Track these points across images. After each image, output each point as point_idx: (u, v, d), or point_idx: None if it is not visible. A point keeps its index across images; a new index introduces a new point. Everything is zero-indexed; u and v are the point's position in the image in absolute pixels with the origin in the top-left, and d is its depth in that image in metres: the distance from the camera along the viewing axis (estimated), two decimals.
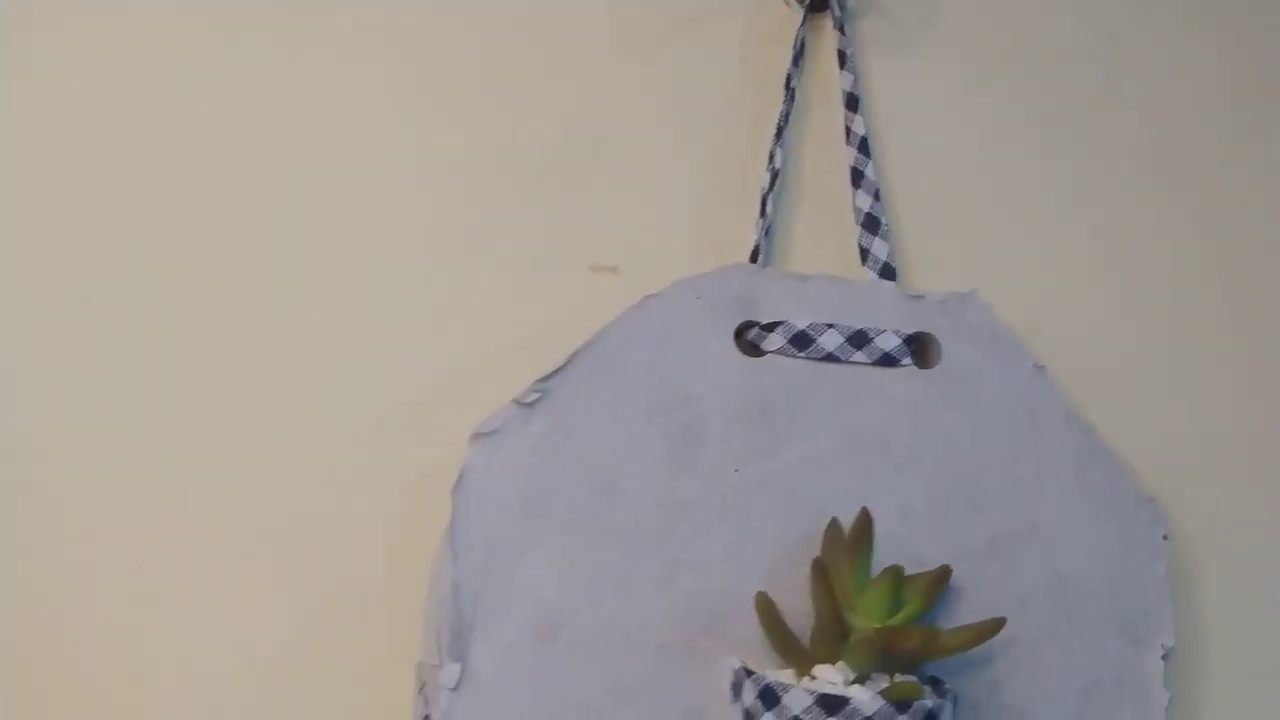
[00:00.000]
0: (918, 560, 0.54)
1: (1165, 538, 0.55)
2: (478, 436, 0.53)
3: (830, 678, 0.49)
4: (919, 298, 0.57)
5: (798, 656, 0.50)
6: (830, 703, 0.47)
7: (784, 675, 0.50)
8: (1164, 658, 0.54)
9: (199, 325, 0.58)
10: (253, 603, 0.56)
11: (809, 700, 0.47)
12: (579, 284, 0.60)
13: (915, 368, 0.56)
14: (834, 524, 0.53)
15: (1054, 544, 0.55)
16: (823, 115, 0.63)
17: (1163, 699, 0.54)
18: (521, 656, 0.52)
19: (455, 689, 0.51)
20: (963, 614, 0.53)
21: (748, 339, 0.56)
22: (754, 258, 0.59)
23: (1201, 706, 0.58)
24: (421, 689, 0.53)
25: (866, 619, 0.48)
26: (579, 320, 0.58)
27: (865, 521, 0.52)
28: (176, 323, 0.58)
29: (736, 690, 0.51)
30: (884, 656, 0.48)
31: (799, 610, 0.53)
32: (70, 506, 0.57)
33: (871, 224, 0.60)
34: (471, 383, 0.58)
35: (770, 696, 0.49)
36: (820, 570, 0.51)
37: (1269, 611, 0.59)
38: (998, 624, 0.48)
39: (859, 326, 0.56)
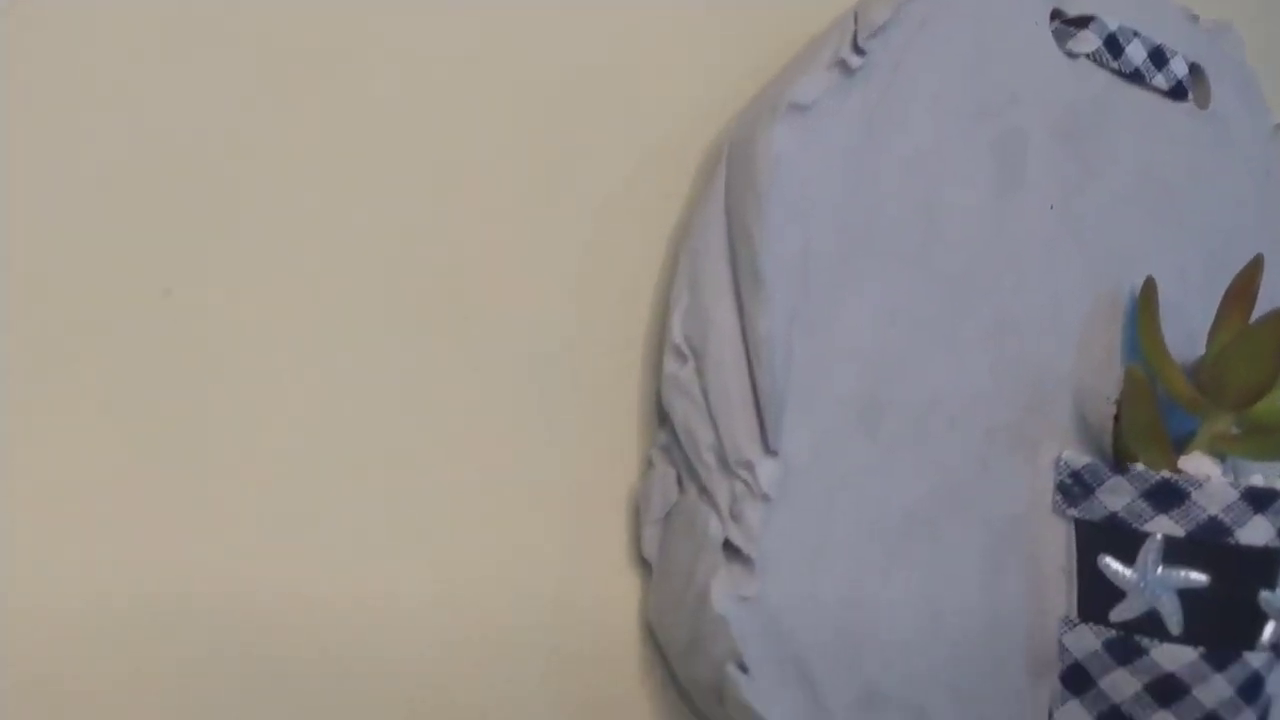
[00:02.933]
0: (1188, 331, 0.45)
1: None
2: (793, 109, 0.34)
3: (1206, 468, 0.39)
4: (1195, 19, 0.46)
5: (1159, 446, 0.39)
6: (1258, 497, 0.37)
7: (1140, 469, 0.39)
8: None
9: None
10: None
11: (1233, 496, 0.37)
12: None
13: (1194, 106, 0.46)
14: (1150, 285, 0.41)
15: None
16: None
17: None
18: (842, 447, 0.35)
19: (769, 498, 0.33)
20: None
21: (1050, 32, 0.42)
22: None
23: None
24: (673, 507, 0.34)
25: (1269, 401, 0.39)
26: None
27: (1151, 292, 0.42)
28: None
29: (1073, 493, 0.39)
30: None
31: (1097, 391, 0.42)
32: None
33: None
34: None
35: (1168, 494, 0.37)
36: (1149, 342, 0.40)
37: None
38: None
39: (1157, 41, 0.44)
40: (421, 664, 0.33)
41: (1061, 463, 0.39)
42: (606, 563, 0.36)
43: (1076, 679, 0.39)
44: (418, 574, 0.33)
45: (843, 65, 0.35)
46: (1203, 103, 0.46)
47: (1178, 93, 0.45)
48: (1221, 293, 0.44)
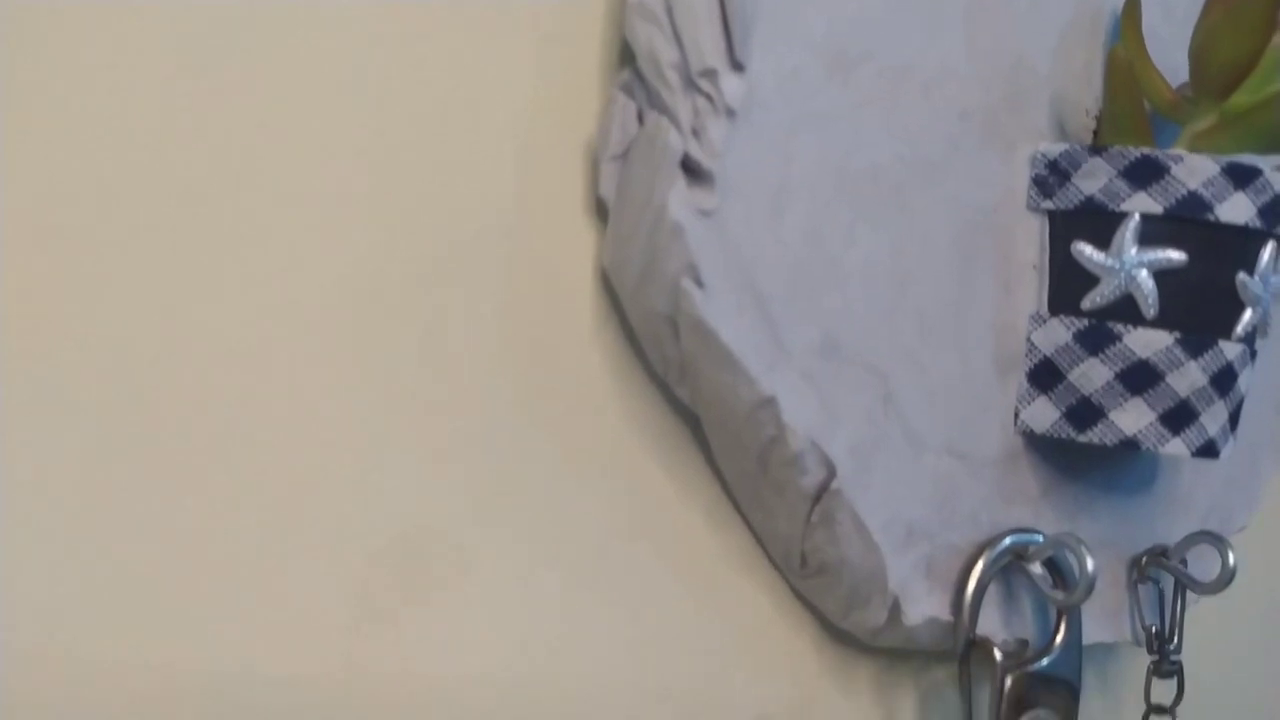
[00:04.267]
0: (1171, 66, 0.43)
1: None
2: None
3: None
4: None
5: (1140, 132, 0.37)
6: (1240, 173, 0.36)
7: None
8: None
9: None
10: None
11: (1214, 169, 0.36)
12: None
13: None
14: None
15: None
16: None
17: None
18: (810, 87, 0.33)
19: (735, 114, 0.31)
20: None
21: None
22: None
23: None
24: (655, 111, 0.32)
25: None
26: None
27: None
28: None
29: (1048, 184, 0.38)
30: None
31: (1077, 102, 0.40)
32: None
33: None
34: None
35: (1147, 169, 0.36)
36: (1131, 43, 0.39)
37: None
38: None
39: None
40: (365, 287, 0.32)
41: (1038, 155, 0.38)
42: (561, 211, 0.35)
43: (1044, 375, 0.37)
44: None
45: None
46: None
47: None
48: None
